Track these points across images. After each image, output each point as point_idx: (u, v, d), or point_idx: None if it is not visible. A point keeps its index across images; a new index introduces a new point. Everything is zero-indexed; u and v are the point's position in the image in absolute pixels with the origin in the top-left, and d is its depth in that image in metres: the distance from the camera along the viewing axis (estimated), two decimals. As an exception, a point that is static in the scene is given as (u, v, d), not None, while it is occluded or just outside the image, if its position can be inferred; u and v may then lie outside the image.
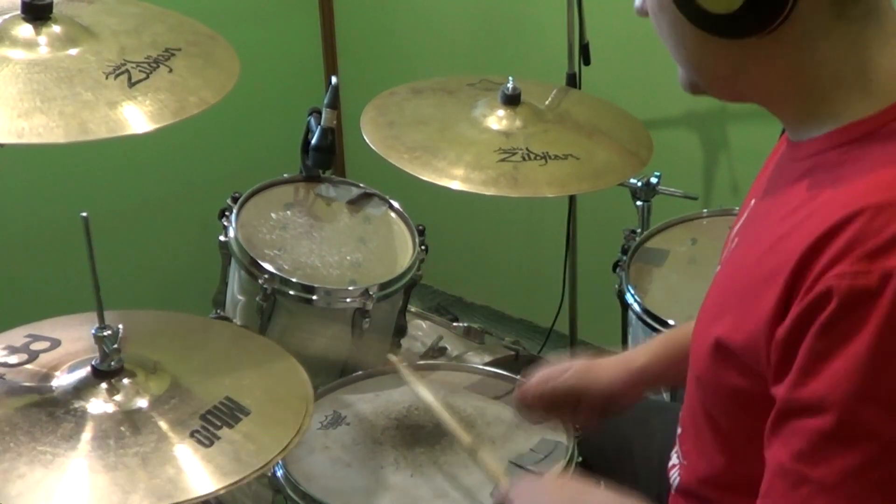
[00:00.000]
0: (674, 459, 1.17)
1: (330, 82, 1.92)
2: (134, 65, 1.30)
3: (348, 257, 1.85)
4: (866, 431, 0.82)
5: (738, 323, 0.94)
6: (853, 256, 0.82)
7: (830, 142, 0.92)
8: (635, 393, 1.37)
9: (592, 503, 1.12)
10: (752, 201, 1.08)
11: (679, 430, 1.16)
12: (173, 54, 1.35)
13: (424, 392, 1.51)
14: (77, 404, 1.27)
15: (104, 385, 1.30)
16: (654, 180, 2.06)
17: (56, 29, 1.32)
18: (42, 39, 1.30)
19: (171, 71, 1.32)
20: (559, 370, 1.40)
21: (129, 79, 1.28)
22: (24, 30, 1.30)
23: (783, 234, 0.91)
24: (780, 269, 0.88)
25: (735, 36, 0.90)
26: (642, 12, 0.99)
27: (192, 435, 1.24)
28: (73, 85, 1.25)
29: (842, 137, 0.91)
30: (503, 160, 1.81)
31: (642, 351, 1.38)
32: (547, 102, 2.00)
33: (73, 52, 1.30)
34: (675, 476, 1.16)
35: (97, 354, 1.31)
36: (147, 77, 1.29)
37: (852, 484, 0.83)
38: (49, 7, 1.32)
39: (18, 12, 1.32)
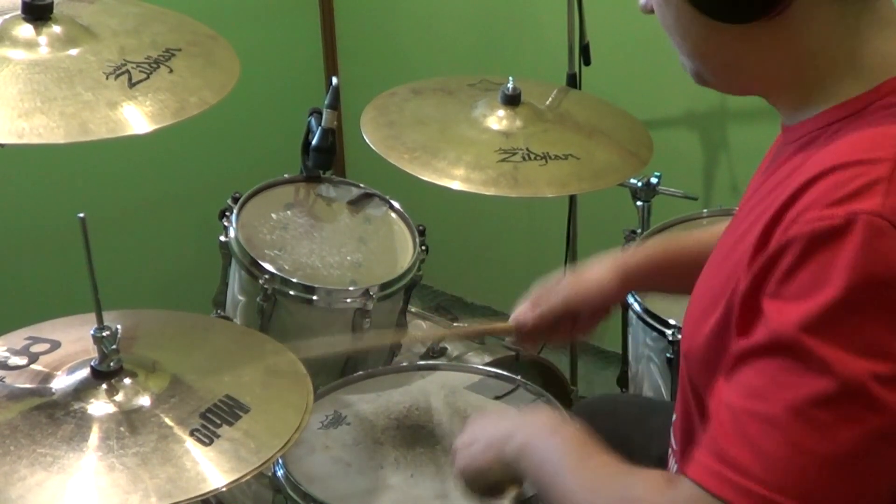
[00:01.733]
0: (670, 448, 1.18)
1: (330, 83, 1.92)
2: (134, 65, 1.30)
3: (349, 257, 1.85)
4: (822, 366, 0.81)
5: (717, 300, 0.95)
6: (819, 206, 0.83)
7: (819, 122, 0.93)
8: (621, 290, 1.40)
9: (532, 421, 1.13)
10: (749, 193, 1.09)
11: (674, 417, 1.16)
12: (173, 54, 1.35)
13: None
14: (77, 405, 1.27)
15: (104, 386, 1.30)
16: (654, 180, 2.06)
17: (56, 29, 1.32)
18: (42, 39, 1.30)
19: (171, 71, 1.32)
20: (548, 290, 1.42)
21: (130, 79, 1.28)
22: (25, 30, 1.30)
23: (760, 202, 0.93)
24: (751, 231, 0.89)
25: (740, 20, 0.91)
26: (647, 9, 1.00)
27: (192, 433, 1.24)
28: (73, 85, 1.25)
29: (829, 118, 0.93)
30: (503, 160, 1.81)
31: (636, 251, 1.41)
32: (547, 103, 2.00)
33: (74, 52, 1.30)
34: (672, 465, 1.16)
35: (97, 355, 1.31)
36: (147, 77, 1.29)
37: (799, 419, 0.81)
38: (49, 7, 1.32)
39: (19, 12, 1.32)
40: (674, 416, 1.17)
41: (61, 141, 1.19)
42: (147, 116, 1.25)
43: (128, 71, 1.29)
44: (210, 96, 1.32)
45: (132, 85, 1.27)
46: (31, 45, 1.29)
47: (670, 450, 1.18)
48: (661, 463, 1.20)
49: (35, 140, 1.18)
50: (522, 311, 1.44)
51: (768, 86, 0.98)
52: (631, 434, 1.45)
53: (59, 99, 1.22)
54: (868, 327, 0.81)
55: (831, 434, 0.81)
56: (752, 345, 0.86)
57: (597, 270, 1.40)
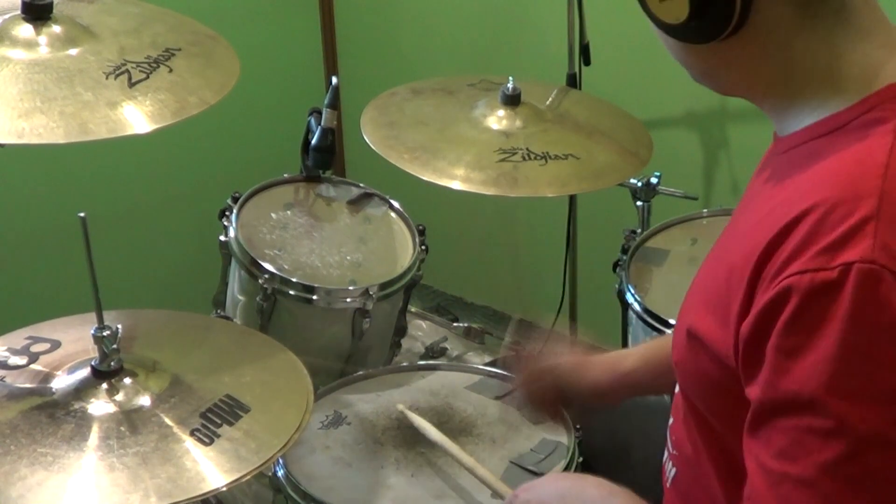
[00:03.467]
0: (667, 451, 1.18)
1: (330, 82, 1.92)
2: (134, 65, 1.30)
3: (348, 257, 1.85)
4: (840, 425, 0.82)
5: (709, 316, 0.95)
6: (810, 252, 0.83)
7: (804, 136, 0.94)
8: (619, 395, 1.39)
9: (584, 492, 1.13)
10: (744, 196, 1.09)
11: (671, 421, 1.16)
12: (173, 54, 1.35)
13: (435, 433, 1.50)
14: (77, 405, 1.27)
15: (104, 385, 1.30)
16: (654, 180, 2.06)
17: (56, 29, 1.31)
18: (42, 39, 1.30)
19: (171, 71, 1.32)
20: (546, 369, 1.42)
21: (130, 79, 1.28)
22: (25, 30, 1.30)
23: (751, 227, 0.92)
24: (745, 264, 0.89)
25: (695, 41, 0.94)
26: None
27: (192, 433, 1.24)
28: (72, 85, 1.25)
29: (813, 132, 0.93)
30: (503, 160, 1.81)
31: (632, 354, 1.39)
32: (547, 102, 2.00)
33: (73, 52, 1.30)
34: (669, 468, 1.16)
35: (97, 355, 1.31)
36: (147, 77, 1.29)
37: (830, 479, 0.82)
38: (49, 7, 1.32)
39: (19, 12, 1.32)
40: (670, 420, 1.17)
41: (61, 141, 1.19)
42: (147, 116, 1.25)
43: (127, 71, 1.29)
44: (210, 96, 1.32)
45: (132, 85, 1.27)
46: (30, 44, 1.29)
47: (666, 453, 1.18)
48: (659, 461, 1.20)
49: (35, 140, 1.18)
50: (518, 381, 1.46)
51: (750, 92, 0.99)
52: (631, 435, 1.45)
53: (59, 99, 1.22)
54: (878, 374, 0.81)
55: (864, 485, 0.82)
56: (771, 403, 0.86)
57: (592, 368, 1.38)
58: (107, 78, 1.27)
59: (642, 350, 1.40)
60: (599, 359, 1.39)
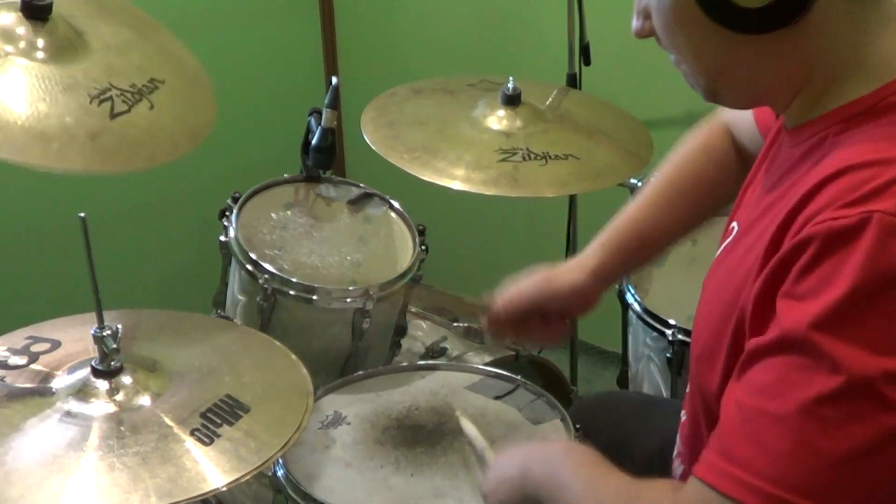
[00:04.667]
0: (676, 449, 1.18)
1: (330, 82, 1.92)
2: (118, 92, 1.29)
3: (348, 257, 1.85)
4: (832, 364, 0.81)
5: (733, 305, 0.95)
6: (835, 206, 0.83)
7: (828, 121, 0.93)
8: (598, 291, 1.41)
9: (544, 451, 1.15)
10: (748, 190, 1.09)
11: (682, 419, 1.16)
12: (157, 87, 1.34)
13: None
14: (77, 405, 1.27)
15: (104, 385, 1.30)
16: (654, 180, 2.06)
17: (52, 32, 1.31)
18: (39, 43, 1.30)
19: (151, 108, 1.31)
20: (520, 288, 1.43)
21: (112, 109, 1.27)
22: (22, 29, 1.30)
23: (777, 212, 0.92)
24: (764, 233, 0.89)
25: (768, 29, 0.91)
26: (643, 34, 0.99)
27: (192, 433, 1.24)
28: (57, 103, 1.24)
29: (837, 117, 0.93)
30: (503, 160, 1.81)
31: (594, 249, 1.40)
32: (547, 103, 2.00)
33: (65, 64, 1.29)
34: (677, 466, 1.16)
35: (97, 355, 1.31)
36: (129, 110, 1.28)
37: (806, 416, 0.81)
38: (48, 8, 1.32)
39: (17, 11, 1.31)
40: (682, 416, 1.17)
41: (35, 162, 1.18)
42: (119, 159, 1.25)
43: (111, 98, 1.28)
44: (184, 143, 1.32)
45: (113, 116, 1.26)
46: (28, 46, 1.29)
47: (675, 451, 1.18)
48: (662, 457, 1.20)
49: (12, 157, 1.17)
50: (495, 306, 1.44)
51: (783, 93, 0.97)
52: (632, 431, 1.45)
53: (44, 117, 1.21)
54: (879, 325, 0.81)
55: (840, 432, 0.81)
56: (763, 343, 0.86)
57: (567, 270, 1.40)
58: (90, 102, 1.26)
59: (600, 243, 1.41)
60: (566, 266, 1.40)
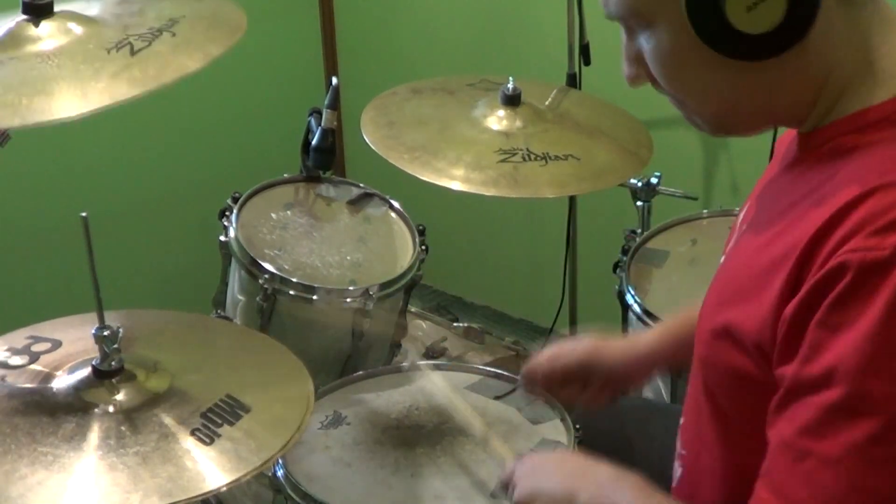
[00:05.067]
0: (676, 452, 1.18)
1: (330, 83, 1.92)
2: (136, 36, 1.27)
3: (348, 257, 1.85)
4: (874, 405, 0.82)
5: (748, 307, 0.94)
6: (866, 232, 0.83)
7: (843, 127, 0.93)
8: (641, 375, 1.41)
9: (593, 476, 1.12)
10: (760, 192, 1.08)
11: (682, 421, 1.16)
12: (177, 21, 1.32)
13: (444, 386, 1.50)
14: (78, 405, 1.27)
15: (104, 385, 1.30)
16: (654, 180, 2.06)
17: (58, 24, 1.31)
18: (45, 34, 1.29)
19: (174, 36, 1.29)
20: (568, 348, 1.42)
21: (132, 49, 1.25)
22: (27, 30, 1.30)
23: (796, 217, 0.92)
24: (792, 249, 0.88)
25: (779, 50, 0.90)
26: (638, 81, 0.99)
27: (192, 433, 1.24)
28: (75, 64, 1.23)
29: (854, 123, 0.92)
30: (503, 160, 1.81)
31: (648, 335, 1.41)
32: (547, 103, 2.00)
33: (79, 31, 1.29)
34: (676, 468, 1.16)
35: (98, 355, 1.31)
36: (149, 45, 1.26)
37: (857, 458, 0.82)
38: (49, 6, 1.32)
39: (20, 13, 1.31)
40: (681, 420, 1.17)
41: (66, 115, 1.17)
42: (147, 78, 1.21)
43: (130, 43, 1.26)
44: (214, 49, 1.29)
45: (134, 53, 1.24)
46: (34, 41, 1.29)
47: (675, 454, 1.17)
48: (663, 469, 1.20)
49: (41, 118, 1.16)
50: (538, 359, 1.44)
51: (799, 109, 0.96)
52: (631, 436, 1.45)
53: (61, 79, 1.21)
54: None
55: (888, 470, 0.82)
56: (804, 379, 0.86)
57: (612, 350, 1.40)
58: (108, 53, 1.25)
59: (656, 331, 1.42)
60: (616, 342, 1.41)
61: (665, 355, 1.38)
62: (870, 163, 0.88)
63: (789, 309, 0.87)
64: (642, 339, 1.40)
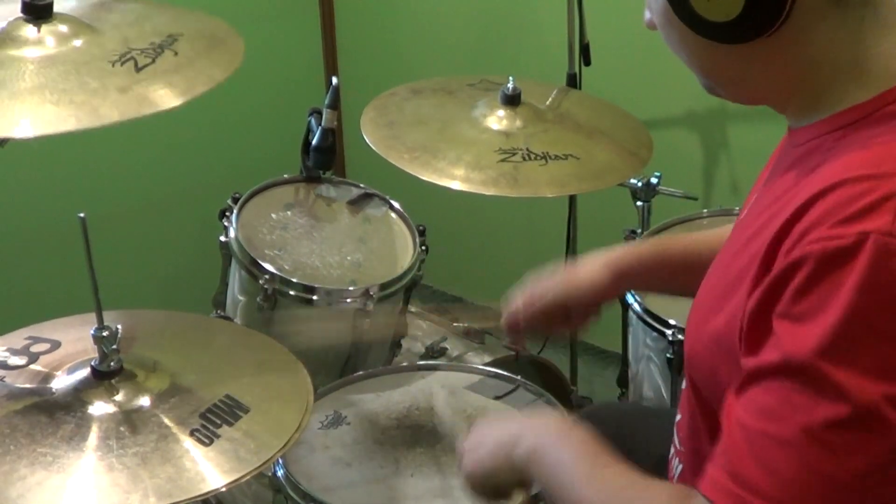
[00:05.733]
0: (673, 448, 1.18)
1: (330, 83, 1.92)
2: (139, 51, 1.29)
3: (349, 257, 1.85)
4: (834, 392, 0.81)
5: (724, 313, 0.95)
6: (828, 223, 0.82)
7: (825, 127, 0.93)
8: (617, 289, 1.41)
9: (540, 427, 1.12)
10: (751, 194, 1.09)
11: (678, 417, 1.16)
12: (176, 39, 1.33)
13: None
14: (77, 405, 1.27)
15: (104, 385, 1.30)
16: (654, 180, 2.06)
17: (58, 27, 1.31)
18: (45, 37, 1.30)
19: (176, 54, 1.31)
20: (541, 289, 1.41)
21: (136, 65, 1.26)
22: (27, 30, 1.30)
23: (769, 216, 0.92)
24: (760, 247, 0.89)
25: (737, 41, 0.92)
26: (651, 25, 1.01)
27: (192, 433, 1.24)
28: (80, 76, 1.23)
29: (835, 123, 0.92)
30: (503, 160, 1.81)
31: (629, 250, 1.40)
32: (547, 103, 2.00)
33: (78, 43, 1.29)
34: (676, 465, 1.16)
35: (97, 355, 1.31)
36: (153, 62, 1.28)
37: (811, 441, 0.82)
38: (49, 7, 1.32)
39: (20, 14, 1.31)
40: (678, 416, 1.17)
41: (73, 128, 1.17)
42: (158, 98, 1.23)
43: (133, 57, 1.28)
44: (218, 73, 1.31)
45: (139, 69, 1.26)
46: (34, 43, 1.29)
47: (673, 449, 1.18)
48: (660, 471, 1.20)
49: (49, 130, 1.17)
50: (514, 306, 1.43)
51: (775, 96, 0.98)
52: (630, 438, 1.45)
53: (68, 90, 1.21)
54: (880, 349, 0.81)
55: (845, 457, 0.81)
56: (765, 365, 0.86)
57: (589, 268, 1.39)
58: (113, 66, 1.26)
59: (637, 249, 1.42)
60: (590, 263, 1.39)
61: (642, 277, 1.40)
62: (841, 161, 0.88)
63: (752, 301, 0.87)
64: (620, 257, 1.39)
